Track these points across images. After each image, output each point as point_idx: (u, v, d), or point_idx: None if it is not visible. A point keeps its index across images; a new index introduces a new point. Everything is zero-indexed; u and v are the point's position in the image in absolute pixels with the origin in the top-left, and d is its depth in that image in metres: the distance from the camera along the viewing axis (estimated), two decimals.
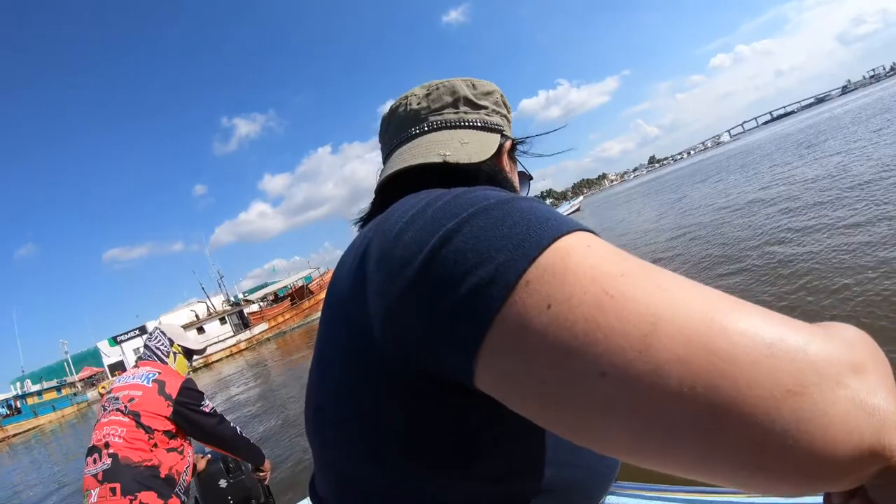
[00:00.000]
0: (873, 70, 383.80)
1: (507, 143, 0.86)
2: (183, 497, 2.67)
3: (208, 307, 50.00)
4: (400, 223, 0.52)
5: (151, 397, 2.68)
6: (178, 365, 3.02)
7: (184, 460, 2.74)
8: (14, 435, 40.73)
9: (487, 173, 0.76)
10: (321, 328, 0.63)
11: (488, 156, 0.76)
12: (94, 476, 2.48)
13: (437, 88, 0.84)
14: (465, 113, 0.83)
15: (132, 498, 2.43)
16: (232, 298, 54.88)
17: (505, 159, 0.85)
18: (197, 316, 46.77)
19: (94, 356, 57.73)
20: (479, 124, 0.82)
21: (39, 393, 47.38)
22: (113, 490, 2.42)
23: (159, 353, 2.97)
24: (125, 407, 2.62)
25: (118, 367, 53.39)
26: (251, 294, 56.79)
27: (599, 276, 0.39)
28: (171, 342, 3.04)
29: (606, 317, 0.37)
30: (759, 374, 0.33)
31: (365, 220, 0.82)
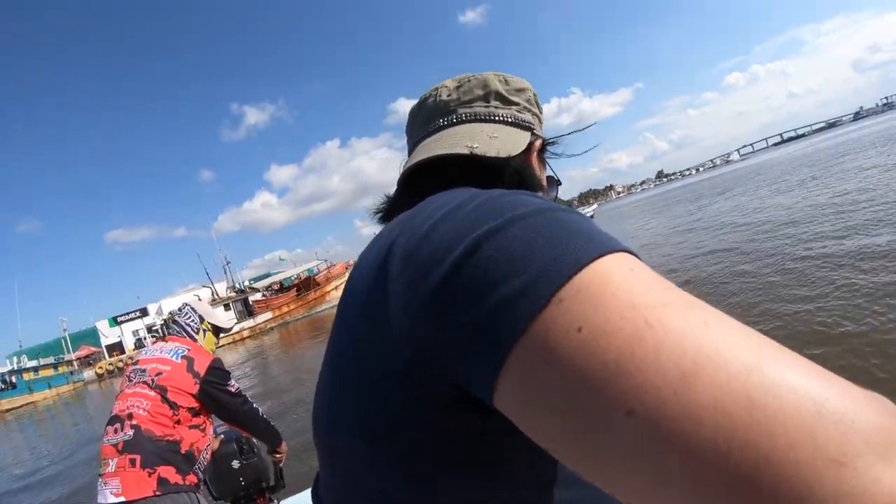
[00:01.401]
0: (886, 98, 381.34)
1: (538, 143, 0.84)
2: (201, 475, 2.65)
3: (213, 293, 49.96)
4: (429, 222, 0.49)
5: (179, 374, 2.67)
6: (207, 342, 3.02)
7: (205, 438, 2.73)
8: (7, 410, 40.70)
9: (515, 169, 0.74)
10: (336, 327, 0.59)
11: (517, 152, 0.75)
12: (115, 446, 2.46)
13: (469, 81, 0.83)
14: (496, 108, 0.81)
15: (151, 471, 2.40)
16: (238, 286, 54.85)
17: (534, 158, 0.83)
18: (200, 300, 46.67)
19: (92, 335, 57.90)
20: (509, 120, 0.81)
21: (36, 369, 47.29)
22: (133, 461, 2.40)
23: (189, 329, 2.97)
24: (152, 380, 2.62)
25: (116, 348, 53.73)
26: (256, 282, 56.83)
27: (640, 304, 0.36)
28: (202, 319, 3.04)
29: (644, 349, 0.34)
30: (802, 436, 0.30)
31: (385, 213, 0.80)
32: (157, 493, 2.38)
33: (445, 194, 0.55)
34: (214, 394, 2.72)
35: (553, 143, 0.88)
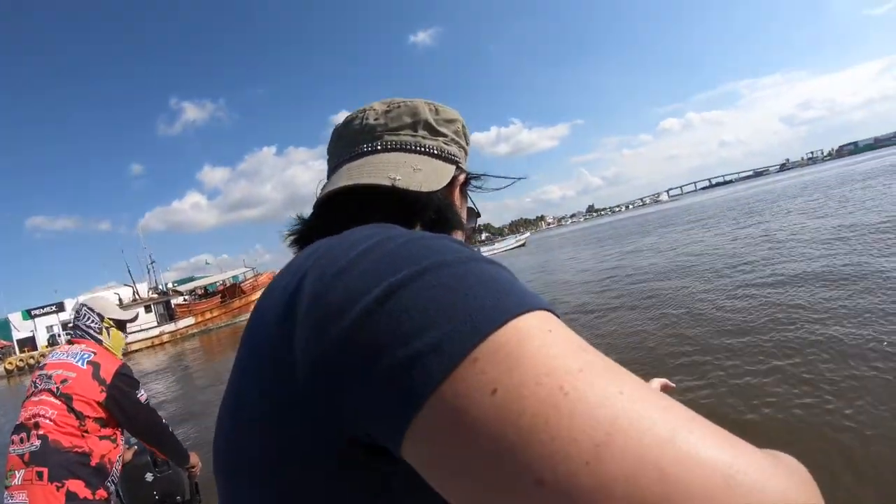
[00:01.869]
0: (812, 153, 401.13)
1: (461, 177, 0.84)
2: (111, 488, 2.57)
3: (134, 292, 48.12)
4: (344, 260, 0.47)
5: (85, 380, 2.58)
6: (114, 339, 2.91)
7: (116, 449, 2.65)
8: None
9: (437, 205, 0.74)
10: (241, 352, 0.54)
11: (440, 186, 0.75)
12: (20, 456, 2.38)
13: (399, 107, 0.81)
14: (423, 138, 0.80)
15: (59, 485, 2.33)
16: (161, 287, 53.11)
17: (456, 193, 0.83)
18: (120, 300, 44.76)
19: (2, 328, 55.23)
20: (435, 152, 0.80)
21: None
22: (39, 474, 2.33)
23: (91, 331, 2.85)
24: (57, 388, 2.52)
25: (28, 343, 51.39)
26: (179, 285, 55.24)
27: (557, 369, 0.35)
28: (102, 317, 2.90)
29: (558, 417, 0.33)
30: None
31: (299, 236, 0.78)
32: None
33: (364, 230, 0.53)
34: (121, 402, 2.63)
35: (476, 178, 0.88)
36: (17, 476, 2.34)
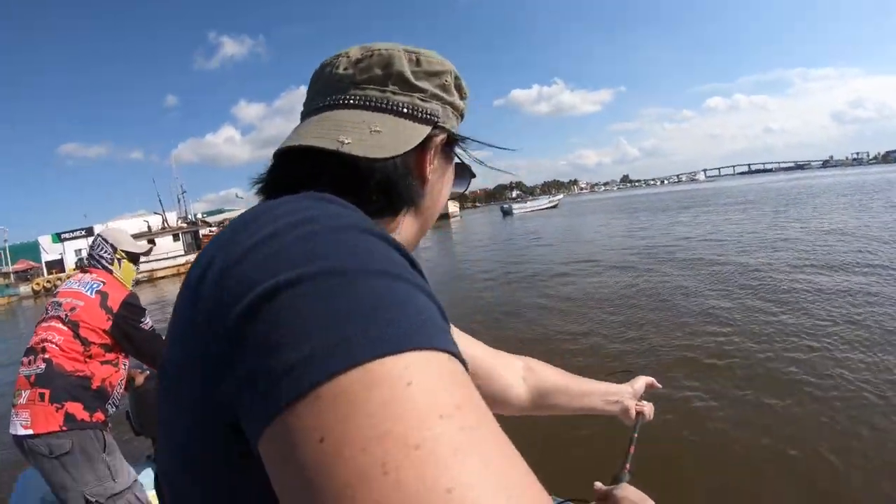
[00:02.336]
0: (857, 153, 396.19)
1: (440, 138, 0.73)
2: (111, 410, 2.72)
3: (163, 220, 48.66)
4: (249, 242, 0.44)
5: (92, 309, 2.70)
6: (124, 271, 3.01)
7: (118, 373, 2.78)
8: None
9: (385, 175, 0.65)
10: (174, 309, 0.52)
11: (401, 151, 0.66)
12: (27, 378, 2.54)
13: (371, 56, 0.71)
14: (393, 93, 0.70)
15: (58, 406, 2.47)
16: (190, 217, 53.63)
17: (430, 155, 0.72)
18: (149, 227, 45.36)
19: (32, 250, 56.36)
20: (405, 110, 0.70)
21: None
22: (42, 395, 2.47)
23: (103, 261, 2.96)
24: (66, 315, 2.66)
25: (56, 266, 52.21)
26: (209, 217, 55.73)
27: (391, 436, 0.31)
28: (114, 248, 3.00)
29: (365, 497, 0.29)
30: None
31: (265, 185, 0.70)
32: (64, 428, 2.45)
33: (286, 204, 0.49)
34: (126, 330, 2.75)
35: (462, 139, 0.79)
36: (23, 396, 2.49)
